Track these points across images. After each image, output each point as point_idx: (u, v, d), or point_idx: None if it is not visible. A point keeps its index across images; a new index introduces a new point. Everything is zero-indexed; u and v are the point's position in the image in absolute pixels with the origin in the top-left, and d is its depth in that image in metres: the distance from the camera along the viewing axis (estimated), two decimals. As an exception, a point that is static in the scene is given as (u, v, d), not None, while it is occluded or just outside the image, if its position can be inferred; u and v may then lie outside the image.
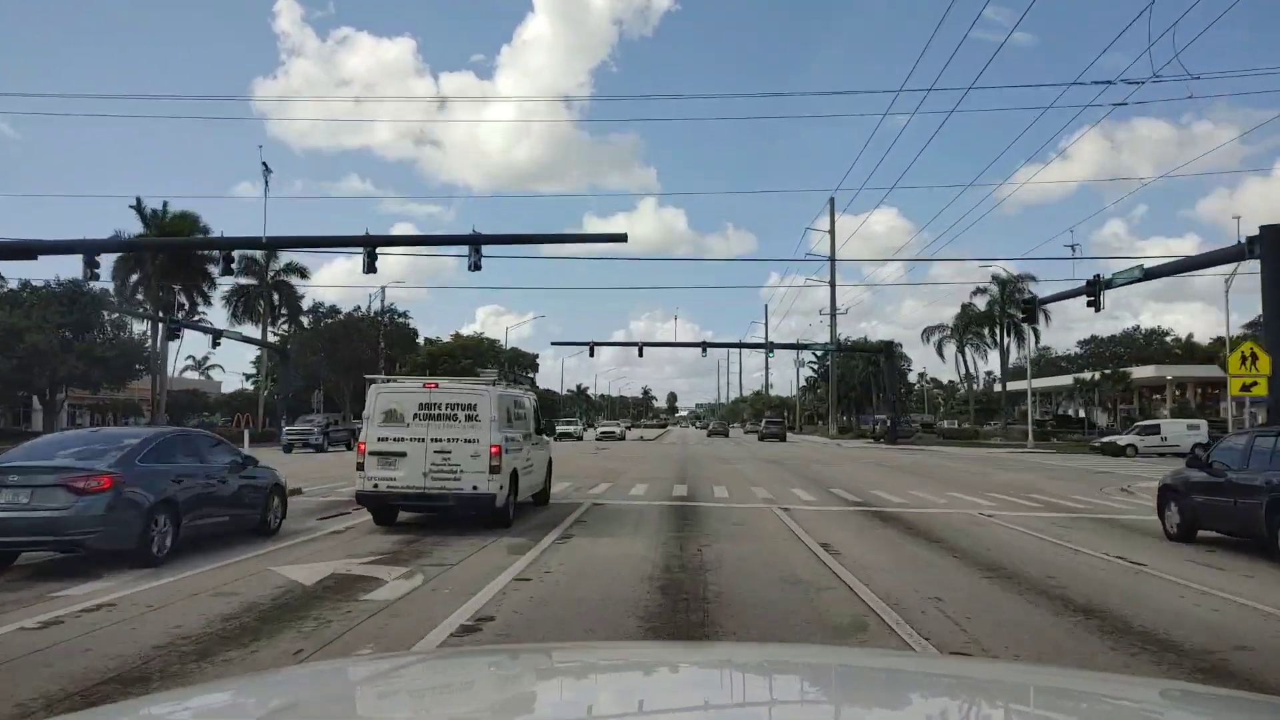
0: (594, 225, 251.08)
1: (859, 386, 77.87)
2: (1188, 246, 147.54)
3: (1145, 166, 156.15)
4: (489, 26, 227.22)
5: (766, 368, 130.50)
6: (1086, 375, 54.44)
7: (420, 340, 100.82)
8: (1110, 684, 2.41)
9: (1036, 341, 49.83)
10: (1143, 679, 3.93)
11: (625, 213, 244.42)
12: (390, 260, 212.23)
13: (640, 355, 54.01)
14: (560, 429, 60.12)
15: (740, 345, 66.65)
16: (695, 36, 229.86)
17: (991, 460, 33.73)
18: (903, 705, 1.84)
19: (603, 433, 60.03)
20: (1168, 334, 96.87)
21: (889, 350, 53.81)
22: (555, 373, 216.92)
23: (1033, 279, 54.67)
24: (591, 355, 54.05)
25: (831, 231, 77.31)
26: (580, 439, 59.95)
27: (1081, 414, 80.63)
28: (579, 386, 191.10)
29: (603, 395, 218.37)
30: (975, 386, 65.64)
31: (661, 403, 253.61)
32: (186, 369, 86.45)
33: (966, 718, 1.77)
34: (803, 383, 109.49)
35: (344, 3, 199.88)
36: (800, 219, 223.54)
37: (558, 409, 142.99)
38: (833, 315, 72.49)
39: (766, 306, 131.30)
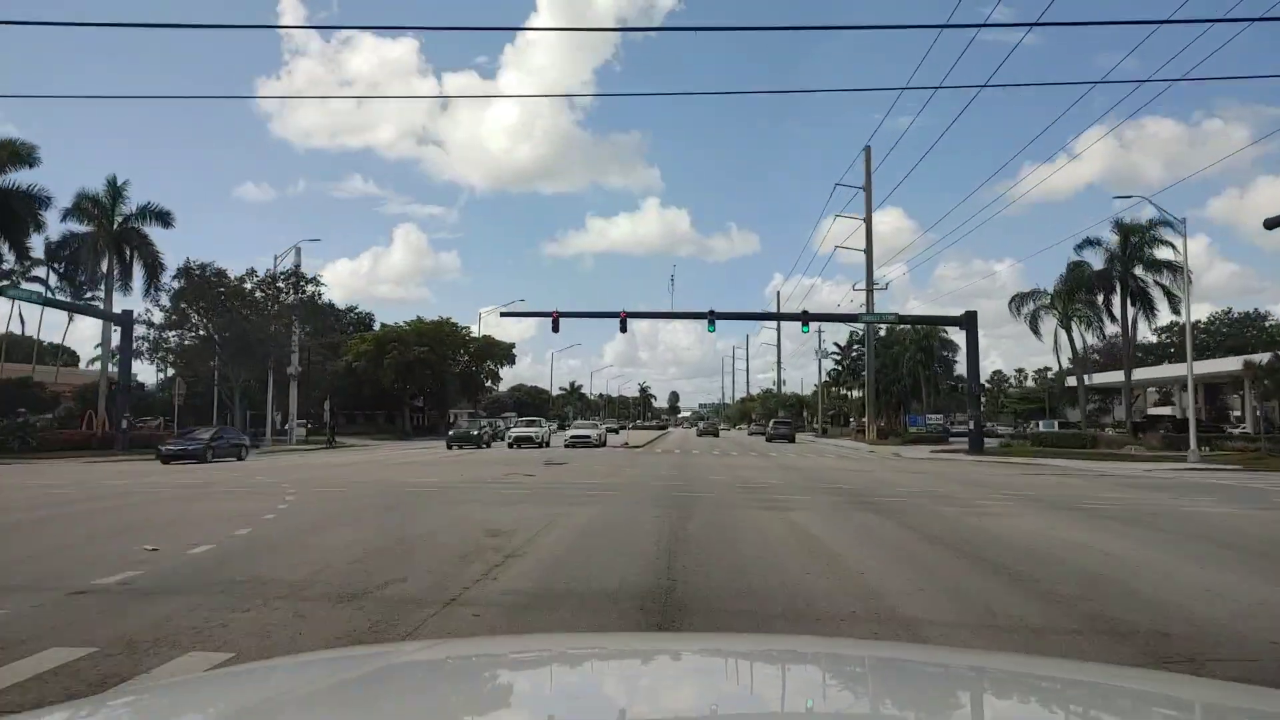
0: (596, 224, 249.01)
1: (906, 379, 62.34)
2: (1197, 246, 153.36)
3: (1155, 165, 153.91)
4: (493, 22, 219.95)
5: (779, 363, 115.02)
6: (1258, 358, 38.80)
7: (377, 325, 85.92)
8: (1120, 676, 2.15)
9: (1172, 307, 34.59)
10: (1150, 670, 3.06)
11: (628, 213, 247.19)
12: (392, 260, 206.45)
13: (623, 330, 38.86)
14: (516, 433, 44.82)
15: (756, 316, 51.24)
16: (698, 37, 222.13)
17: (1267, 498, 18.36)
18: (903, 696, 1.72)
19: (573, 437, 44.41)
20: (1266, 318, 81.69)
21: (969, 322, 38.26)
22: (551, 373, 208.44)
23: (1168, 224, 39.30)
24: (555, 330, 38.88)
25: (868, 188, 62.37)
26: (544, 445, 44.69)
27: (1172, 412, 65.32)
28: (573, 384, 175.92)
29: (601, 395, 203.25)
30: (1082, 373, 49.83)
31: (662, 402, 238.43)
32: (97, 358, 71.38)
33: (966, 706, 1.71)
34: (825, 377, 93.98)
35: (348, 2, 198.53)
36: (804, 221, 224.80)
37: (547, 409, 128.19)
38: (869, 282, 57.11)
39: (779, 293, 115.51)
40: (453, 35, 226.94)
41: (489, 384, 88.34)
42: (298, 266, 48.09)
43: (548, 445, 45.29)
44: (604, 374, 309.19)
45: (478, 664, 1.92)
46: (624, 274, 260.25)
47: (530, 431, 43.99)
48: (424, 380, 71.80)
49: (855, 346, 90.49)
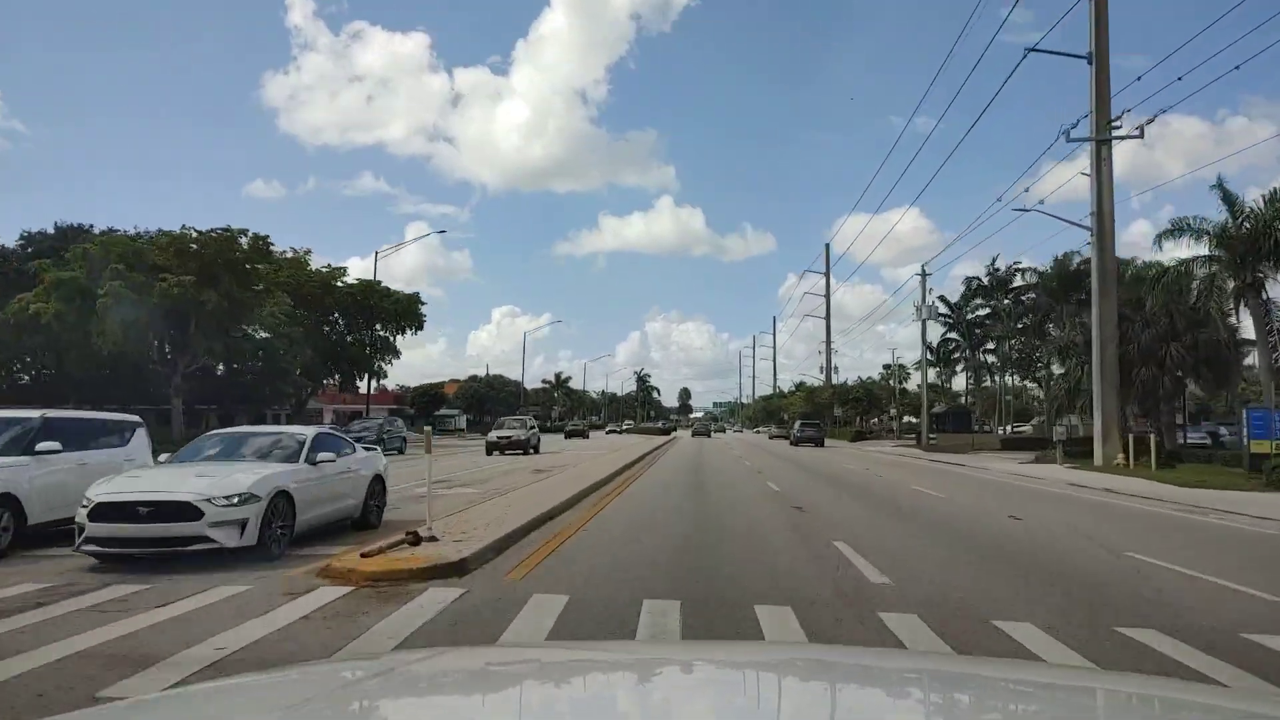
0: (610, 223, 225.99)
1: (1178, 352, 28.35)
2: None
3: (1177, 163, 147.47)
4: (505, 21, 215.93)
5: (828, 340, 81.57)
6: None
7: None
8: (1116, 681, 2.15)
9: None
10: (1145, 676, 2.94)
11: (642, 211, 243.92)
12: (404, 260, 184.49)
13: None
14: (103, 494, 11.13)
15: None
16: (715, 34, 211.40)
17: None
18: (921, 706, 1.71)
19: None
20: None
21: None
22: (523, 358, 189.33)
23: None
24: None
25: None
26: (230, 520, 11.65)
27: None
28: (558, 376, 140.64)
29: (603, 392, 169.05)
30: None
31: (671, 400, 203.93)
32: None
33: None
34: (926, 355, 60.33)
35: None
36: (820, 221, 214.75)
37: (518, 406, 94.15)
38: (1098, 100, 24.16)
39: (828, 247, 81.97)
40: (465, 31, 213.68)
41: (381, 360, 54.41)
42: None
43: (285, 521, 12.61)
44: (602, 364, 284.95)
45: (477, 676, 1.88)
46: (638, 273, 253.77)
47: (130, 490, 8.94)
48: (208, 346, 38.14)
49: (977, 302, 56.66)
